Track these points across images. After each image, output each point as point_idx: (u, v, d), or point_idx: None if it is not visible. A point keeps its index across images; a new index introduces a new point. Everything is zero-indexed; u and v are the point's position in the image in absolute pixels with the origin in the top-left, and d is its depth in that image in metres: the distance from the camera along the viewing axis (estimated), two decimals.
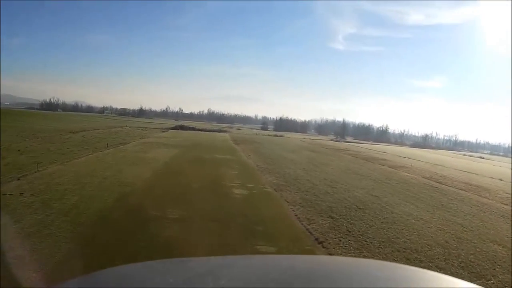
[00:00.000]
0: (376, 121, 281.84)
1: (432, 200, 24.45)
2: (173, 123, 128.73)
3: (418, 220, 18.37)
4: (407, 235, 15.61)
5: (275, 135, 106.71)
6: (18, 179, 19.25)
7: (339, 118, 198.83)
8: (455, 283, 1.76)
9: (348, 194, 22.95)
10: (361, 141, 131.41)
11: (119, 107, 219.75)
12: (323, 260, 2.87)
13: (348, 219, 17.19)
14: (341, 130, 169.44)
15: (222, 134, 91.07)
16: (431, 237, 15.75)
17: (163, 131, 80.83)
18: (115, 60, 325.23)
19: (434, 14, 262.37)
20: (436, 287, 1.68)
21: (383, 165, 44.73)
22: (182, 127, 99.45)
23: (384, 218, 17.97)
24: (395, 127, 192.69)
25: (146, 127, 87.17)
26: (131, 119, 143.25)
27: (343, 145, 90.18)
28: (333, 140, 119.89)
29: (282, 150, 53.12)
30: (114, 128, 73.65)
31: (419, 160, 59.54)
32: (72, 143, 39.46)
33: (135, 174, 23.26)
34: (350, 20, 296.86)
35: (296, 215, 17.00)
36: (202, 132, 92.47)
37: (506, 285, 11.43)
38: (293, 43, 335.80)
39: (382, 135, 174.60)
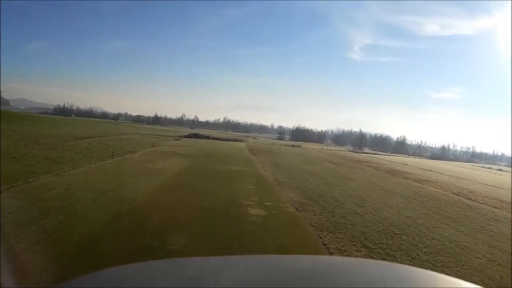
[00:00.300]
0: (392, 132, 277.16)
1: (469, 221, 21.68)
2: (188, 131, 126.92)
3: (463, 249, 15.58)
4: (456, 270, 12.99)
5: (292, 145, 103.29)
6: (0, 192, 16.72)
7: (356, 128, 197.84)
8: (455, 283, 1.67)
9: (379, 215, 20.05)
10: (379, 152, 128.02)
11: (134, 114, 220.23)
12: (323, 260, 2.12)
13: (385, 248, 14.36)
14: (359, 141, 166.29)
15: (237, 143, 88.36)
16: (484, 271, 13.18)
17: (176, 139, 78.43)
18: (132, 66, 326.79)
19: (449, 25, 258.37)
20: (436, 287, 1.63)
21: (407, 179, 41.61)
22: (196, 135, 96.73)
23: (425, 247, 15.14)
24: (411, 138, 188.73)
25: (159, 135, 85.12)
26: (145, 126, 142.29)
27: (362, 156, 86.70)
28: (351, 151, 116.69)
29: (301, 162, 49.93)
30: (125, 135, 71.57)
31: (442, 174, 56.43)
32: (76, 150, 37.20)
33: (137, 189, 20.50)
34: (366, 31, 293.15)
35: (324, 244, 14.15)
36: (217, 140, 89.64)
37: None
38: (311, 53, 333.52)
39: (400, 147, 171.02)
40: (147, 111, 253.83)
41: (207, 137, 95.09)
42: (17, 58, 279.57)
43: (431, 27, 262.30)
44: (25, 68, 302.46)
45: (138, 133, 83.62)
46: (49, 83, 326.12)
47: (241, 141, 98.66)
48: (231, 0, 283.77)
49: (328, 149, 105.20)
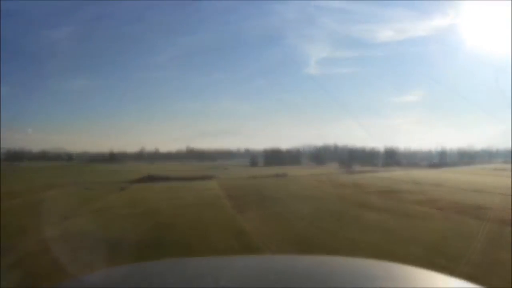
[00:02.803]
0: (361, 142, 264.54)
1: None
2: (147, 167, 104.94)
3: None
4: None
5: (276, 174, 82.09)
6: None
7: (329, 143, 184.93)
8: (455, 283, 1.73)
9: None
10: (377, 169, 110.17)
11: (94, 151, 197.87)
12: (323, 260, 2.55)
13: None
14: (348, 158, 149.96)
15: (207, 183, 64.84)
16: None
17: (121, 189, 54.45)
18: (92, 104, 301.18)
19: (403, 29, 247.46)
20: (436, 287, 1.69)
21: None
22: (151, 178, 72.07)
23: None
24: (390, 146, 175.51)
25: (101, 182, 62.18)
26: (97, 167, 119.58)
27: (369, 180, 65.76)
28: (348, 173, 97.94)
29: (326, 216, 27.96)
30: (47, 192, 48.75)
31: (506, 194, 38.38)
32: None
33: None
34: (321, 44, 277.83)
35: None
36: (179, 182, 66.87)
37: None
38: (269, 73, 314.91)
39: (390, 158, 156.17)
40: (107, 148, 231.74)
41: (167, 179, 71.45)
42: None
43: (386, 33, 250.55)
44: None
45: (75, 182, 60.73)
46: (11, 128, 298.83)
47: (210, 178, 75.57)
48: (183, 28, 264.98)
49: (320, 173, 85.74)
